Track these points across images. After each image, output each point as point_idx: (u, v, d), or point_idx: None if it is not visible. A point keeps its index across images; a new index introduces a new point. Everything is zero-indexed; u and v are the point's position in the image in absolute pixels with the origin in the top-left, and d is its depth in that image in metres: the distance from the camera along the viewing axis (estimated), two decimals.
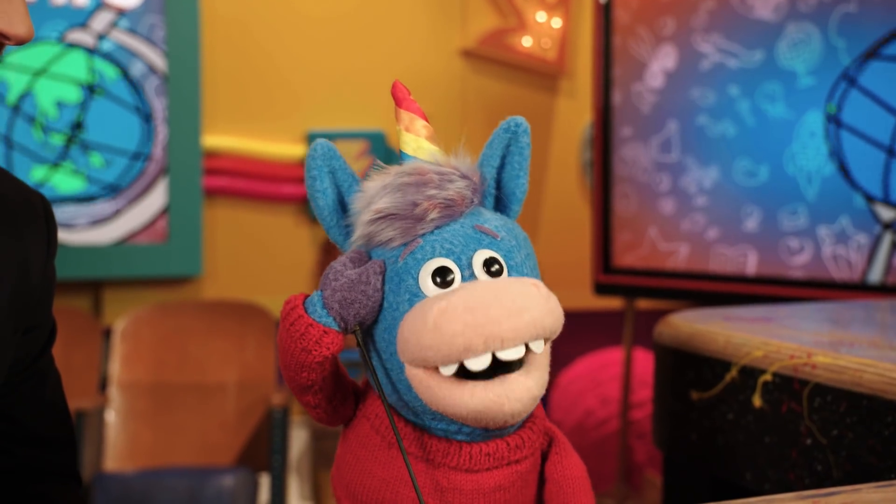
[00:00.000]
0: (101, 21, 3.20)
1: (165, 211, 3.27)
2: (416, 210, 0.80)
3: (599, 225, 2.96)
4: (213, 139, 3.38)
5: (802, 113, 2.45)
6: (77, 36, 3.19)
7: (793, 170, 2.48)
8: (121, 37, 3.22)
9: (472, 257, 0.80)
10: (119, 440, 2.92)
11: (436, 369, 0.76)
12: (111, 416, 2.93)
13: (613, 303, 3.51)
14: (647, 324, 1.53)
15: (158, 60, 3.26)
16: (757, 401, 1.18)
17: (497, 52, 3.67)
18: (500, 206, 0.88)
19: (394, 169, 0.84)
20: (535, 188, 3.78)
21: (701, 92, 2.70)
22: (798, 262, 2.47)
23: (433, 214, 0.80)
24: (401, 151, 0.87)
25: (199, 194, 3.30)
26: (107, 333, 3.14)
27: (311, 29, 3.50)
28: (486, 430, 0.81)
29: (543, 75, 3.77)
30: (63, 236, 3.16)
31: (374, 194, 0.82)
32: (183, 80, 3.27)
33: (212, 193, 3.39)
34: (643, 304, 3.38)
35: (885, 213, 2.31)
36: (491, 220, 0.83)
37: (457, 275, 0.79)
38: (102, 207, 3.23)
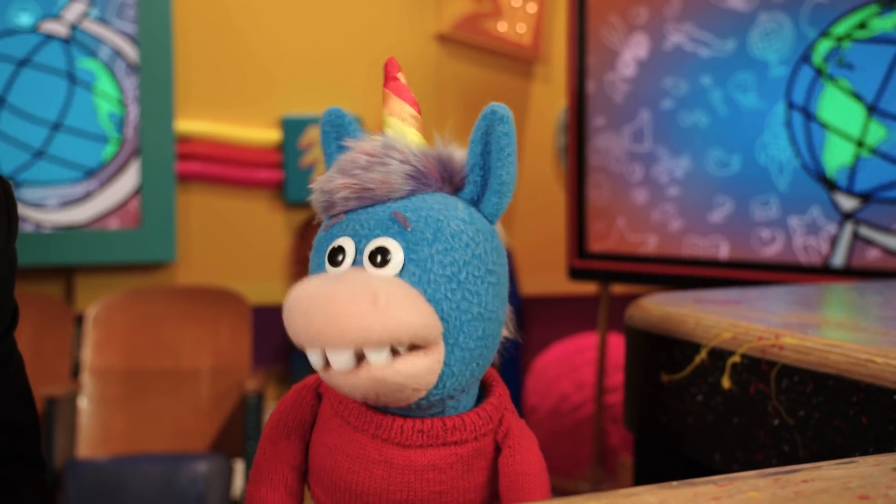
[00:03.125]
0: (73, 11, 3.18)
1: (137, 192, 3.26)
2: (331, 185, 0.82)
3: (574, 214, 2.96)
4: (187, 124, 3.37)
5: (774, 103, 2.46)
6: (51, 26, 3.16)
7: (765, 160, 2.48)
8: (93, 24, 3.20)
9: (368, 243, 0.80)
10: (92, 427, 2.91)
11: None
12: (84, 403, 2.92)
13: (588, 288, 3.53)
14: (622, 309, 1.54)
15: (130, 42, 3.24)
16: (726, 382, 1.18)
17: (472, 36, 3.67)
18: (483, 195, 0.86)
19: (352, 144, 0.85)
20: None
21: (673, 81, 2.70)
22: (769, 253, 2.48)
23: (342, 193, 0.81)
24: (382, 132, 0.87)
25: (172, 179, 3.29)
26: (79, 320, 3.13)
27: (285, 13, 3.49)
28: (420, 407, 0.81)
29: (518, 60, 3.77)
30: (35, 217, 3.15)
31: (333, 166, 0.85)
32: (155, 63, 3.25)
33: (185, 178, 3.38)
34: (618, 288, 3.39)
35: (847, 203, 2.32)
36: (424, 208, 0.81)
37: (348, 258, 0.80)
38: (73, 189, 3.21)
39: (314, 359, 0.77)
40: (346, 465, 0.82)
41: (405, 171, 0.81)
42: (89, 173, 3.22)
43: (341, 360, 0.75)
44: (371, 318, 0.73)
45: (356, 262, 0.80)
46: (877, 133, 2.26)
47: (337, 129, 0.88)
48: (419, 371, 0.77)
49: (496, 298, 0.82)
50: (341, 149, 0.87)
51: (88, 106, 3.23)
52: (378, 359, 0.75)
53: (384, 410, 0.83)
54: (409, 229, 0.79)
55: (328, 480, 0.84)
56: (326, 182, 0.83)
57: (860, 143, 2.28)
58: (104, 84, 3.23)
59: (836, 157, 2.34)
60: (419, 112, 0.88)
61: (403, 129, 0.85)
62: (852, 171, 2.31)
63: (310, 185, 0.85)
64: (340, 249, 0.80)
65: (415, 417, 0.82)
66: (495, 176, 0.83)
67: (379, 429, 0.82)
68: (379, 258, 0.79)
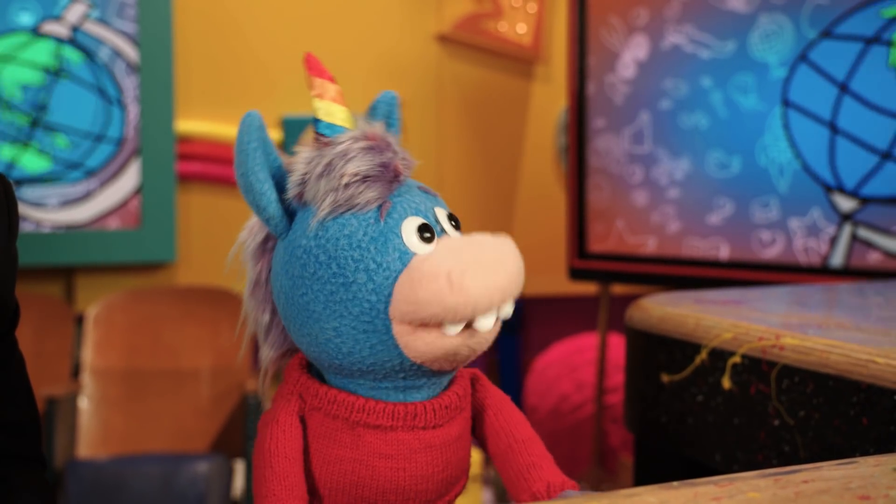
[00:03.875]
0: (74, 12, 3.17)
1: (138, 192, 3.25)
2: (388, 171, 0.82)
3: (574, 215, 2.96)
4: (187, 124, 3.36)
5: (774, 104, 2.45)
6: (52, 27, 3.16)
7: (765, 161, 2.47)
8: (93, 25, 3.19)
9: (434, 213, 0.84)
10: (92, 427, 2.91)
11: (437, 325, 0.79)
12: (84, 403, 2.92)
13: (588, 288, 3.51)
14: (622, 309, 1.53)
15: (130, 42, 3.23)
16: (726, 383, 1.18)
17: (472, 36, 3.66)
18: None
19: (346, 134, 0.84)
20: (511, 172, 3.79)
21: (673, 83, 2.69)
22: (769, 255, 2.47)
23: (406, 173, 0.84)
24: (315, 120, 0.87)
25: (172, 179, 3.28)
26: (79, 320, 3.12)
27: (285, 13, 3.48)
28: (434, 378, 0.85)
29: (519, 60, 3.76)
30: (35, 216, 3.15)
31: (339, 161, 0.82)
32: (155, 63, 3.24)
33: (186, 178, 3.37)
34: (618, 289, 3.38)
35: (845, 204, 2.32)
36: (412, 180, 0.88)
37: (436, 229, 0.83)
38: (74, 189, 3.20)
39: (488, 319, 0.79)
40: (387, 465, 0.83)
41: (405, 153, 0.86)
42: (90, 173, 3.21)
43: (493, 320, 0.80)
44: (522, 266, 0.82)
45: (439, 232, 0.83)
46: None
47: (261, 135, 0.86)
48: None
49: None
50: (266, 152, 0.85)
51: (89, 106, 3.22)
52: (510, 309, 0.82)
53: (405, 402, 0.84)
54: (438, 197, 0.87)
55: (368, 492, 0.83)
56: (382, 170, 0.82)
57: (857, 142, 2.28)
58: (98, 81, 3.22)
59: (834, 156, 2.34)
60: (339, 89, 0.89)
61: (333, 108, 0.88)
62: (850, 170, 2.31)
63: (345, 180, 0.82)
64: (426, 225, 0.82)
65: (433, 398, 0.85)
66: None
67: (415, 419, 0.83)
68: (454, 222, 0.85)
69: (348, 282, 0.81)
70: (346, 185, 0.81)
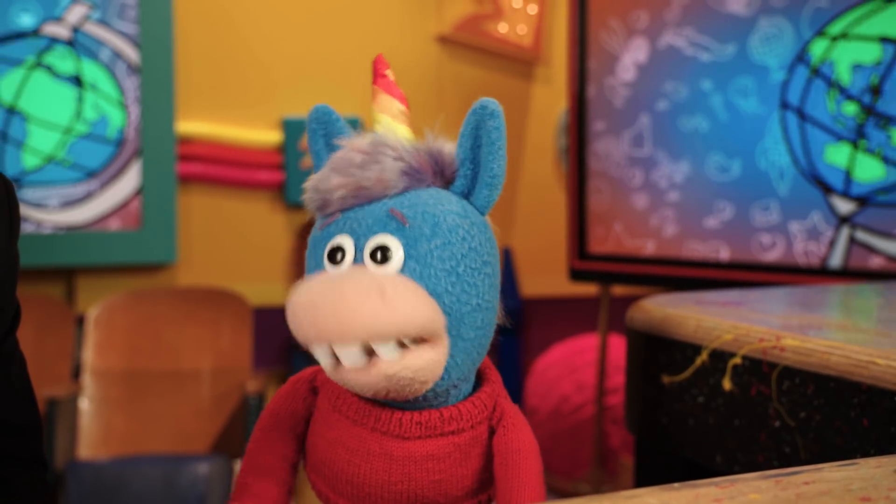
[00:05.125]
0: (75, 14, 3.17)
1: (138, 193, 3.24)
2: (327, 185, 0.83)
3: (575, 218, 2.96)
4: (188, 125, 3.35)
5: (774, 108, 2.45)
6: (53, 28, 3.16)
7: (765, 165, 2.47)
8: (94, 26, 3.19)
9: (367, 241, 0.81)
10: (93, 428, 2.90)
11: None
12: (84, 404, 2.92)
13: (589, 289, 3.51)
14: (623, 310, 1.53)
15: (131, 43, 3.23)
16: (727, 384, 1.18)
17: (473, 38, 3.65)
18: (474, 188, 0.87)
19: (355, 139, 0.85)
20: (511, 174, 3.77)
21: (673, 86, 2.69)
22: (769, 259, 2.47)
23: (339, 193, 0.82)
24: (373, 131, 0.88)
25: (173, 180, 3.27)
26: (80, 321, 3.12)
27: (286, 14, 3.47)
28: (426, 399, 0.83)
29: (519, 62, 3.76)
30: (35, 217, 3.15)
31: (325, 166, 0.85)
32: (156, 64, 3.24)
33: (186, 179, 3.36)
34: (619, 290, 3.38)
35: (843, 206, 2.32)
36: (419, 203, 0.82)
37: (348, 256, 0.81)
38: (74, 190, 3.20)
39: (323, 357, 0.79)
40: (346, 457, 0.84)
41: (399, 167, 0.82)
42: (90, 174, 3.21)
43: (351, 356, 0.77)
44: (380, 312, 0.74)
45: (356, 259, 0.81)
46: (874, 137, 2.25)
47: (324, 127, 0.88)
48: (427, 364, 0.78)
49: (492, 288, 0.84)
50: (329, 146, 0.88)
51: (91, 107, 3.22)
52: (387, 353, 0.77)
53: (383, 404, 0.84)
54: (408, 226, 0.80)
55: (329, 473, 0.85)
56: (322, 181, 0.83)
57: (856, 146, 2.28)
58: (105, 85, 3.22)
59: (833, 159, 2.33)
60: (408, 107, 0.88)
61: (393, 126, 0.86)
62: (849, 173, 2.31)
63: (304, 185, 0.85)
64: (339, 248, 0.82)
65: (413, 410, 0.84)
66: (486, 169, 0.84)
67: (378, 422, 0.83)
68: (380, 255, 0.80)
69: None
70: (305, 188, 0.85)
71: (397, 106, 0.87)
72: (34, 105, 3.15)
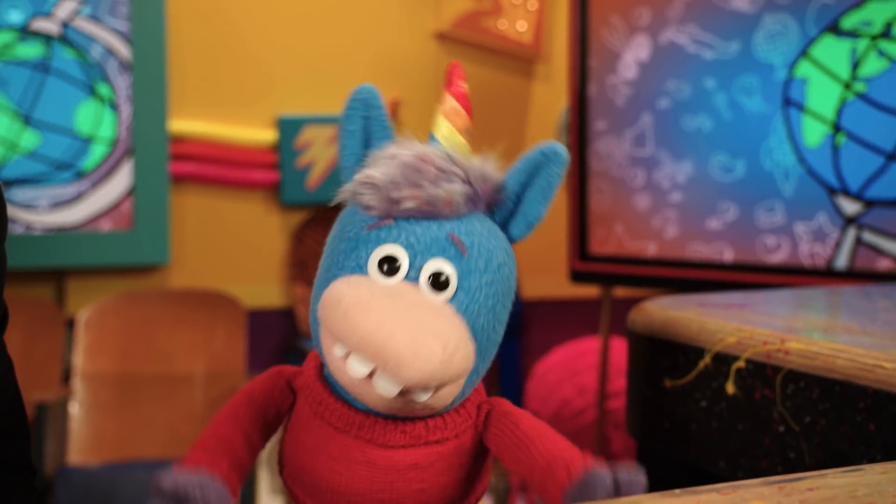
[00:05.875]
0: (65, 9, 3.16)
1: (130, 193, 3.24)
2: (396, 193, 0.80)
3: (576, 219, 2.95)
4: (180, 123, 3.35)
5: (779, 106, 2.44)
6: (42, 24, 3.15)
7: (769, 165, 2.46)
8: (84, 21, 3.18)
9: (426, 262, 0.79)
10: (83, 433, 2.90)
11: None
12: (75, 409, 2.92)
13: (590, 291, 3.50)
14: (625, 312, 1.54)
15: (122, 40, 3.22)
16: (730, 388, 1.17)
17: (472, 34, 3.65)
18: (511, 220, 0.87)
19: (412, 144, 0.83)
20: None
21: (675, 84, 2.68)
22: (774, 261, 2.46)
23: (409, 204, 0.79)
24: (431, 133, 0.86)
25: (165, 180, 3.26)
26: (70, 323, 3.12)
27: (281, 10, 3.47)
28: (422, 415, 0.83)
29: (519, 59, 3.76)
30: (25, 218, 3.14)
31: (380, 159, 0.82)
32: (148, 61, 3.23)
33: (179, 179, 3.36)
34: (620, 292, 3.38)
35: (849, 207, 2.30)
36: (474, 233, 0.82)
37: (403, 270, 0.79)
38: (65, 190, 3.19)
39: (358, 366, 0.76)
40: (327, 465, 0.83)
41: (466, 191, 0.81)
42: (81, 174, 3.19)
43: (388, 388, 0.76)
44: (437, 367, 0.74)
45: (409, 277, 0.79)
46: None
47: (366, 110, 0.85)
48: (448, 397, 0.79)
49: (505, 321, 0.85)
50: (366, 132, 0.85)
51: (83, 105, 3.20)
52: (424, 396, 0.77)
53: (366, 412, 0.82)
54: (466, 256, 0.80)
55: (308, 480, 0.84)
56: (392, 187, 0.80)
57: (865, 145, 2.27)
58: (89, 80, 3.21)
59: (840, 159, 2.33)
60: (471, 115, 0.87)
61: (456, 140, 0.85)
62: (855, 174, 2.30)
63: (360, 178, 0.82)
64: (393, 259, 0.79)
65: (398, 419, 0.82)
66: (533, 209, 0.85)
67: (361, 430, 0.82)
68: (442, 279, 0.79)
69: (325, 262, 0.84)
70: (360, 183, 0.82)
71: (465, 121, 0.86)
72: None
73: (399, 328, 0.74)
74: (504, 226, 0.86)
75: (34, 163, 3.16)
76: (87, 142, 3.20)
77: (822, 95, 2.35)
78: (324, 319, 0.78)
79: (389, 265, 0.79)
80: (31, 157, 3.15)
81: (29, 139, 3.15)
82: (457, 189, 0.80)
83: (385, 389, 0.76)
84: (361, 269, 0.80)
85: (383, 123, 0.85)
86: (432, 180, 0.80)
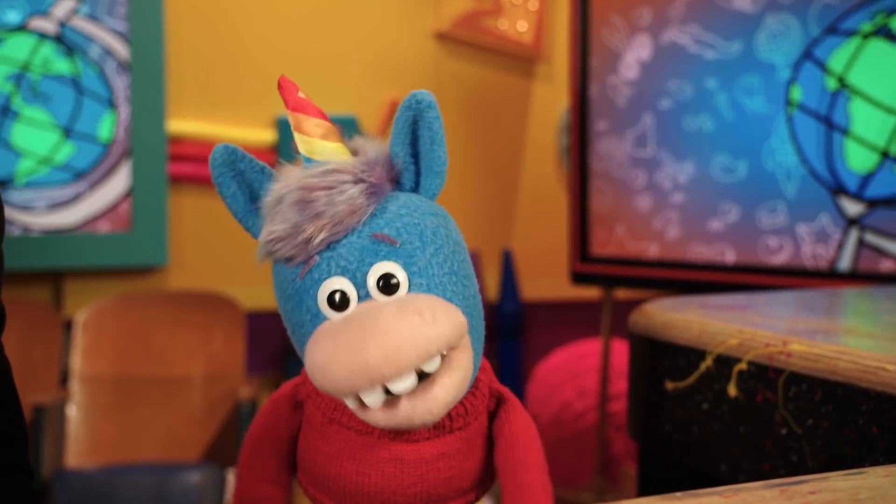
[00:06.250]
0: (62, 8, 3.15)
1: (128, 195, 3.23)
2: (303, 235, 0.79)
3: (576, 220, 2.95)
4: (179, 124, 3.34)
5: (781, 107, 2.43)
6: (39, 23, 3.14)
7: (772, 165, 2.46)
8: (82, 21, 3.17)
9: (367, 273, 0.79)
10: (81, 436, 2.89)
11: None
12: (72, 411, 2.91)
13: (591, 292, 3.50)
14: (626, 314, 1.55)
15: (121, 40, 3.21)
16: (732, 390, 1.18)
17: (472, 34, 3.65)
18: (420, 180, 0.86)
19: (289, 179, 0.82)
20: (512, 174, 3.77)
21: (677, 84, 2.68)
22: (777, 262, 2.46)
23: (321, 236, 0.79)
24: (301, 156, 0.85)
25: (163, 181, 3.26)
26: (68, 325, 3.11)
27: (280, 10, 3.46)
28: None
29: (519, 59, 3.75)
30: (22, 220, 3.13)
31: (272, 208, 0.81)
32: (146, 61, 3.22)
33: (178, 180, 3.35)
34: (622, 293, 3.37)
35: (851, 208, 2.30)
36: (393, 219, 0.81)
37: (352, 296, 0.79)
38: (62, 191, 3.18)
39: (374, 398, 0.77)
40: (354, 468, 0.83)
41: (363, 189, 0.80)
42: (79, 175, 3.19)
43: (407, 383, 0.77)
44: (425, 331, 0.75)
45: (361, 298, 0.79)
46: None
47: (231, 167, 0.84)
48: (465, 367, 0.80)
49: (471, 267, 0.86)
50: (246, 186, 0.85)
51: (81, 107, 3.20)
52: (433, 366, 0.77)
53: None
54: (398, 245, 0.80)
55: (335, 487, 0.84)
56: (294, 234, 0.80)
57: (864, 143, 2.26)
58: (95, 84, 3.20)
59: (844, 159, 2.31)
60: (327, 118, 0.85)
61: (328, 147, 0.84)
62: (856, 174, 2.29)
63: (263, 240, 0.81)
64: (338, 291, 0.79)
65: None
66: (433, 159, 0.84)
67: (385, 429, 0.82)
68: (393, 281, 0.79)
69: (287, 326, 0.84)
70: (269, 241, 0.81)
71: (323, 124, 0.85)
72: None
73: (368, 338, 0.74)
74: (416, 189, 0.85)
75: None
76: (85, 142, 3.20)
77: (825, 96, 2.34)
78: (322, 391, 0.79)
79: (338, 298, 0.79)
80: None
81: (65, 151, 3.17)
82: (352, 194, 0.80)
83: (405, 386, 0.76)
84: (318, 317, 0.80)
85: (256, 169, 0.85)
86: (326, 203, 0.79)
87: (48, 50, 3.14)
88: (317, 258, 0.80)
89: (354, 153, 0.83)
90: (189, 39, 3.36)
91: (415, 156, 0.84)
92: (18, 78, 3.12)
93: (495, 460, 0.86)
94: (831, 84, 2.32)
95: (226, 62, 3.42)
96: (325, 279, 0.79)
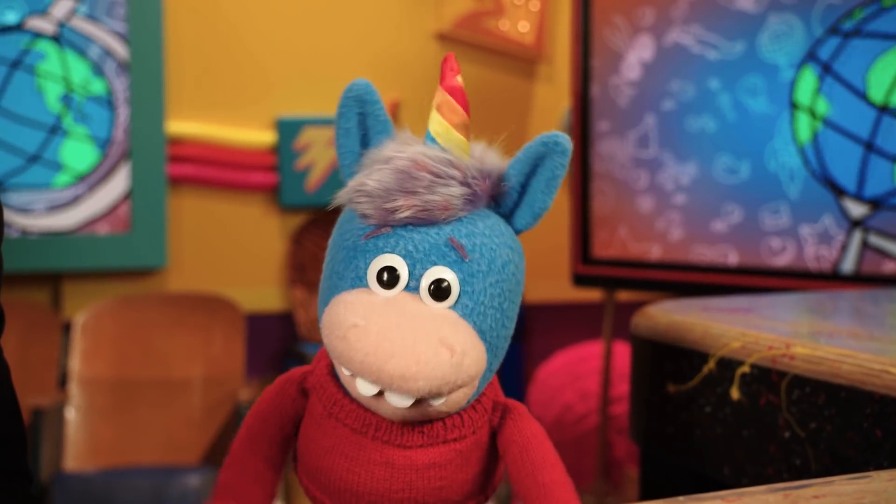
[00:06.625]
0: (61, 8, 3.15)
1: (127, 196, 3.23)
2: (392, 203, 0.79)
3: (578, 221, 2.94)
4: (178, 125, 3.34)
5: (784, 107, 2.42)
6: (37, 23, 3.14)
7: (774, 166, 2.45)
8: (81, 21, 3.17)
9: (426, 270, 0.79)
10: (80, 438, 2.89)
11: None
12: (71, 414, 2.91)
13: (593, 294, 3.49)
14: (628, 316, 1.55)
15: (120, 40, 3.21)
16: (735, 393, 1.18)
17: (473, 35, 3.64)
18: (517, 210, 0.86)
19: (407, 146, 0.82)
20: None
21: (679, 85, 2.67)
22: (779, 264, 2.45)
23: (404, 213, 0.79)
24: (427, 131, 0.85)
25: (163, 182, 3.26)
26: (67, 327, 3.11)
27: (280, 10, 3.46)
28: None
29: (521, 60, 3.75)
30: (21, 223, 3.13)
31: (375, 162, 0.81)
32: (146, 62, 3.22)
33: (177, 182, 3.35)
34: (623, 295, 3.36)
35: (855, 209, 2.29)
36: (476, 234, 0.81)
37: (402, 281, 0.79)
38: (61, 193, 3.18)
39: (367, 388, 0.77)
40: (345, 465, 0.83)
41: (464, 193, 0.81)
42: (78, 177, 3.19)
43: (401, 401, 0.77)
44: (448, 372, 0.75)
45: (409, 287, 0.79)
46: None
47: (361, 105, 0.84)
48: (464, 398, 0.80)
49: (516, 313, 0.85)
50: (363, 129, 0.84)
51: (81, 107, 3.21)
52: (439, 402, 0.78)
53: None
54: (467, 260, 0.80)
55: (326, 480, 0.84)
56: (385, 198, 0.80)
57: (869, 146, 2.25)
58: (94, 83, 3.20)
59: (845, 160, 2.31)
60: (469, 117, 0.85)
61: (455, 138, 0.84)
62: (861, 175, 2.28)
63: (354, 185, 0.81)
64: (392, 269, 0.79)
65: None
66: (539, 201, 0.84)
67: (378, 431, 0.82)
68: (444, 285, 0.79)
69: (326, 271, 0.84)
70: (353, 191, 0.82)
71: (462, 115, 0.84)
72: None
73: (398, 347, 0.74)
74: (509, 216, 0.85)
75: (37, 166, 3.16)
76: (84, 143, 3.19)
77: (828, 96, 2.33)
78: (326, 344, 0.78)
79: (389, 276, 0.79)
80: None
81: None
82: (454, 193, 0.79)
83: (398, 402, 0.77)
84: (361, 280, 0.80)
85: (380, 118, 0.84)
86: (427, 186, 0.79)
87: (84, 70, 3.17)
88: (390, 230, 0.80)
89: (473, 156, 0.83)
90: (189, 40, 3.36)
91: (523, 187, 0.84)
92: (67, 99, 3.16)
93: (509, 467, 0.86)
94: (837, 85, 2.31)
95: (226, 63, 3.41)
96: (386, 252, 0.79)
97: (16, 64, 3.13)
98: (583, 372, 3.35)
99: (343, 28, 3.51)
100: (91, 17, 3.18)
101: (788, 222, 2.42)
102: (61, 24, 3.16)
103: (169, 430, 2.93)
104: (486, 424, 0.86)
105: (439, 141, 0.83)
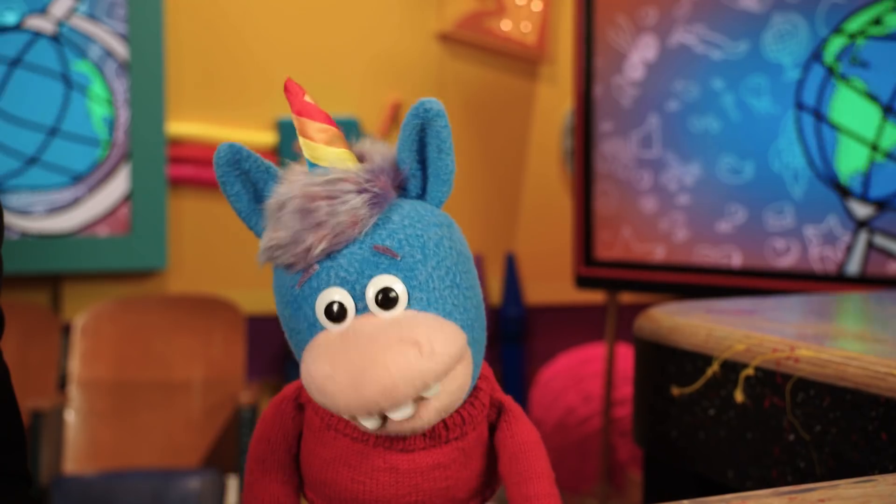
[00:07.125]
0: (60, 7, 3.15)
1: (127, 198, 3.23)
2: (304, 244, 0.79)
3: (581, 222, 2.93)
4: (179, 126, 3.34)
5: (788, 107, 2.42)
6: (36, 22, 3.13)
7: (779, 167, 2.44)
8: (81, 20, 3.17)
9: (366, 287, 0.79)
10: (79, 441, 2.88)
11: None
12: (71, 416, 2.90)
13: (596, 296, 3.49)
14: (631, 318, 1.56)
15: (120, 40, 3.21)
16: (739, 396, 1.18)
17: (475, 35, 3.64)
18: (427, 186, 0.86)
19: (292, 184, 0.82)
20: (515, 176, 3.76)
21: (683, 84, 2.66)
22: (784, 264, 2.44)
23: (321, 247, 0.79)
24: (307, 162, 0.84)
25: (163, 183, 3.26)
26: (66, 329, 3.10)
27: (281, 11, 3.46)
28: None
29: (523, 60, 3.75)
30: (21, 225, 3.13)
31: (274, 214, 0.81)
32: (146, 62, 3.22)
33: (177, 183, 3.35)
34: (626, 297, 3.36)
35: (860, 210, 2.28)
36: (396, 229, 0.81)
37: (350, 307, 0.79)
38: (61, 195, 3.18)
39: (370, 422, 0.78)
40: (348, 475, 0.83)
41: (366, 200, 0.80)
42: (77, 178, 3.19)
43: (405, 412, 0.77)
44: (423, 365, 0.75)
45: (359, 311, 0.79)
46: (893, 136, 2.21)
47: (237, 166, 0.84)
48: (463, 379, 0.80)
49: (476, 278, 0.86)
50: (251, 185, 0.85)
51: (79, 108, 3.20)
52: (433, 391, 0.78)
53: None
54: (399, 258, 0.80)
55: (330, 492, 0.85)
56: (294, 243, 0.80)
57: (875, 147, 2.24)
58: (95, 85, 3.20)
59: (850, 161, 2.29)
60: (333, 123, 0.84)
61: (333, 153, 0.83)
62: (866, 176, 2.27)
63: (263, 245, 0.82)
64: (337, 303, 0.79)
65: None
66: (441, 167, 0.83)
67: (379, 437, 0.82)
68: (392, 294, 0.79)
69: (285, 330, 0.84)
70: (269, 248, 0.81)
71: (328, 129, 0.84)
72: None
73: (368, 371, 0.74)
74: (423, 195, 0.85)
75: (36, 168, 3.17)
76: (84, 145, 3.19)
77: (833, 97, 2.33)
78: (315, 400, 0.79)
79: (338, 309, 0.79)
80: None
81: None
82: (356, 204, 0.79)
83: (402, 415, 0.77)
84: (316, 326, 0.80)
85: (261, 167, 0.84)
86: (329, 213, 0.79)
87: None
88: (316, 267, 0.80)
89: (360, 157, 0.83)
90: (189, 40, 3.36)
91: (422, 163, 0.84)
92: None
93: (500, 471, 0.87)
94: (839, 83, 2.31)
95: (226, 63, 3.41)
96: (323, 289, 0.79)
97: (15, 63, 3.13)
98: (585, 374, 3.35)
99: (344, 28, 3.51)
100: (91, 17, 3.18)
101: (793, 223, 2.42)
102: (60, 24, 3.15)
103: (169, 432, 2.92)
104: (485, 420, 0.87)
105: (321, 164, 0.82)
